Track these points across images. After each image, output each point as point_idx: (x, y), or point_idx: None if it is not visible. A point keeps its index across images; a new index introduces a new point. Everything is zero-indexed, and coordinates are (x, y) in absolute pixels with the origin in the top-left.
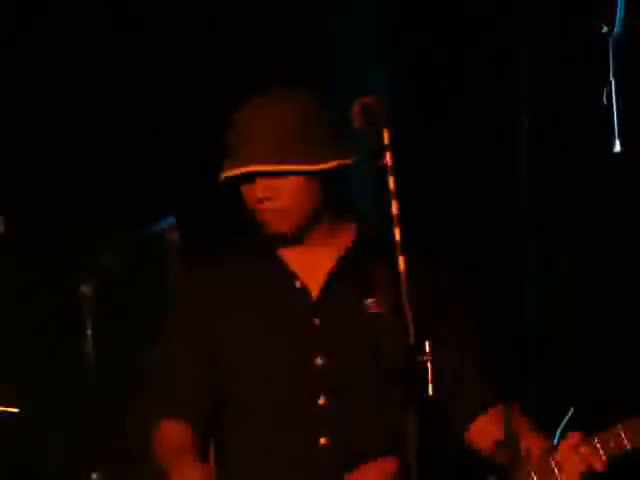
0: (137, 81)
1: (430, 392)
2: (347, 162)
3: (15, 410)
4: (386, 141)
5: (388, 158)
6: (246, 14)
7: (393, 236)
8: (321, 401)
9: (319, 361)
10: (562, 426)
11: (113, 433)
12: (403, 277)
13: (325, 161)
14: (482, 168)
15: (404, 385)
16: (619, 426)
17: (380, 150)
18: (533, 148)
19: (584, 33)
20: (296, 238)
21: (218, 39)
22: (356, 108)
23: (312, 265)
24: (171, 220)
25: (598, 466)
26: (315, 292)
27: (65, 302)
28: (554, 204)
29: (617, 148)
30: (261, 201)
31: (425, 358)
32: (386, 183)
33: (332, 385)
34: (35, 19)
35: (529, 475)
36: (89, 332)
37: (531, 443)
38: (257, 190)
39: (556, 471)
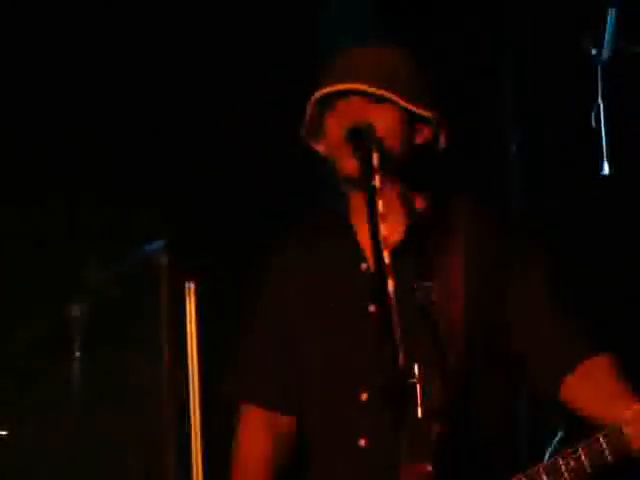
0: (127, 99)
1: (420, 414)
2: (441, 123)
3: (3, 433)
4: (375, 164)
5: (377, 181)
6: (239, 22)
7: (384, 263)
8: (363, 397)
9: (369, 352)
10: (553, 446)
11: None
12: (391, 298)
13: (424, 108)
14: (471, 191)
15: (394, 405)
16: None
17: (369, 173)
18: (521, 170)
19: (573, 56)
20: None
21: (214, 52)
22: (346, 131)
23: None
24: (160, 243)
25: None
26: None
27: (53, 324)
28: (543, 227)
29: (605, 171)
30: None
31: (414, 380)
32: (374, 206)
33: (378, 377)
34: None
35: (598, 441)
36: (77, 354)
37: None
38: (350, 111)
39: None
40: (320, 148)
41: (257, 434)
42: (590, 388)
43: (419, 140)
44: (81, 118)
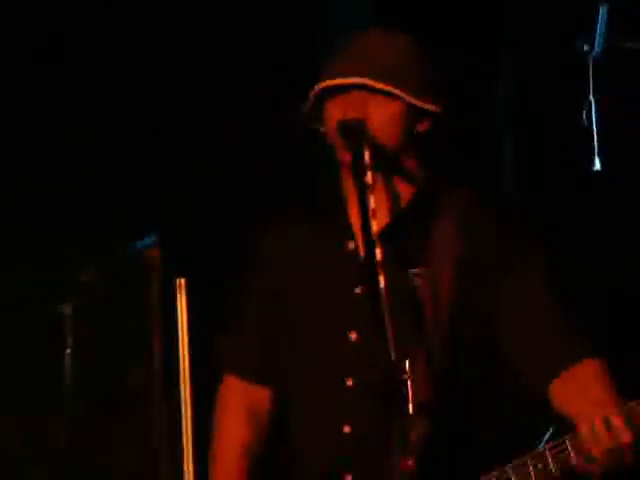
0: (120, 98)
1: (411, 410)
2: (444, 115)
3: None
4: (367, 160)
5: (369, 177)
6: (238, 22)
7: (374, 255)
8: (349, 383)
9: (352, 336)
10: (543, 443)
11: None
12: (383, 297)
13: (428, 101)
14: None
15: (386, 400)
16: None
17: (361, 169)
18: (517, 169)
19: (565, 52)
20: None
21: (209, 57)
22: (338, 127)
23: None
24: (152, 239)
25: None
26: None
27: (45, 322)
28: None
29: (597, 166)
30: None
31: (405, 377)
32: (366, 201)
33: (363, 363)
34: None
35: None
36: (68, 351)
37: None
38: (348, 105)
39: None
40: (320, 128)
41: (236, 412)
42: (576, 392)
43: (420, 129)
44: (75, 117)
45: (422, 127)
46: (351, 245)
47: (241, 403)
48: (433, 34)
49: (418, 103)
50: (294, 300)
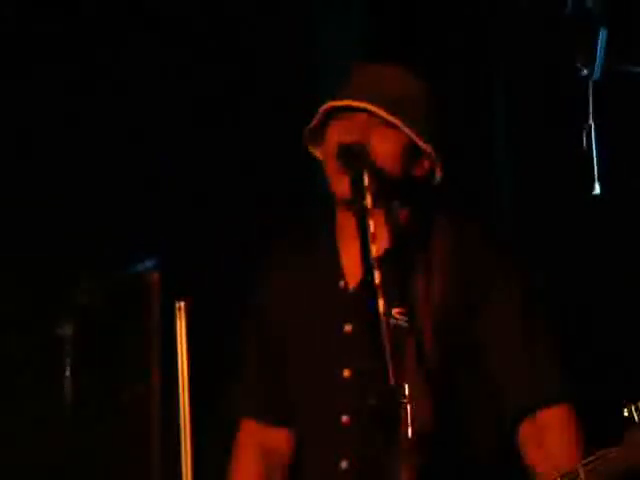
0: (119, 118)
1: (410, 435)
2: (438, 162)
3: None
4: (366, 183)
5: (369, 200)
6: (238, 22)
7: (373, 279)
8: (344, 419)
9: (345, 373)
10: None
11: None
12: (382, 318)
13: (428, 141)
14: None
15: (384, 429)
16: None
17: (361, 193)
18: (512, 191)
19: (565, 76)
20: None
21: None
22: (340, 149)
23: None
24: (152, 261)
25: None
26: (352, 289)
27: (45, 342)
28: (534, 248)
29: (597, 191)
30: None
31: (405, 400)
32: (365, 225)
33: (357, 398)
34: None
35: None
36: (68, 372)
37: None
38: (351, 129)
39: None
40: (317, 154)
41: (251, 451)
42: (538, 444)
43: (418, 172)
44: (76, 136)
45: (420, 170)
46: (342, 284)
47: (257, 443)
48: (416, 56)
49: (419, 141)
50: (292, 341)
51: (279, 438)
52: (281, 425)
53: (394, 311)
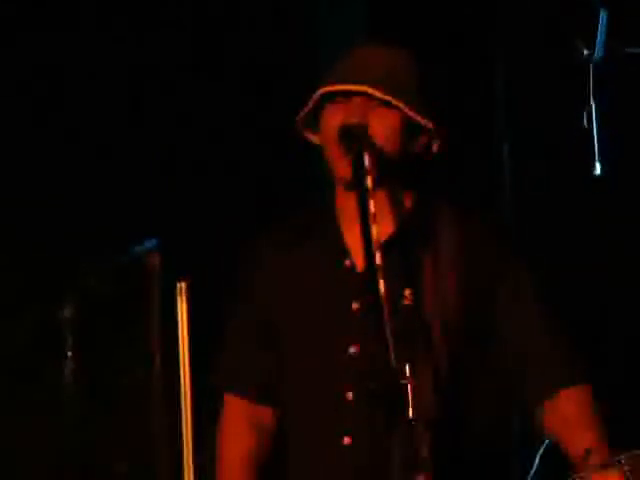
0: (121, 103)
1: (410, 415)
2: (440, 133)
3: None
4: (367, 165)
5: (369, 181)
6: (237, 23)
7: (374, 261)
8: (349, 396)
9: (352, 350)
10: (540, 454)
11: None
12: (382, 302)
13: (425, 117)
14: (462, 194)
15: (387, 406)
16: None
17: (362, 174)
18: (513, 170)
19: (565, 56)
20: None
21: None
22: (340, 131)
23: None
24: (153, 243)
25: None
26: (360, 270)
27: (46, 325)
28: (535, 228)
29: (597, 171)
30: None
31: (405, 381)
32: (367, 207)
33: (363, 375)
34: None
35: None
36: (69, 354)
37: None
38: (349, 111)
39: None
40: (314, 138)
41: (239, 426)
42: (561, 418)
43: (415, 149)
44: (75, 120)
45: (417, 146)
46: (348, 262)
47: (243, 417)
48: (425, 46)
49: (417, 118)
50: (293, 319)
51: (263, 415)
52: (266, 403)
53: (406, 292)
